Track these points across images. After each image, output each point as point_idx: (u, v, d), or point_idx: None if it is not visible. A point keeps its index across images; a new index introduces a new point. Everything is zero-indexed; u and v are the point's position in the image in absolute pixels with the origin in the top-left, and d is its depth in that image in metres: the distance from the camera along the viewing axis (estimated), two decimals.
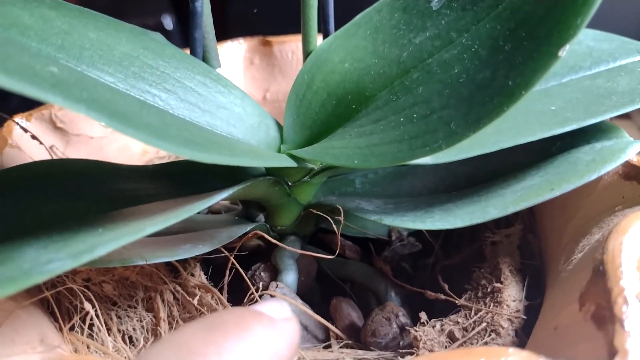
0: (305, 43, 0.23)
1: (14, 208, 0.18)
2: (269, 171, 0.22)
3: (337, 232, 0.20)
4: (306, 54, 0.23)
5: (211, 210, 0.28)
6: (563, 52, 0.16)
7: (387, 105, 0.20)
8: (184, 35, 1.28)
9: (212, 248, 0.20)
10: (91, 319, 0.19)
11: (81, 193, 0.19)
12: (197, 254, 0.20)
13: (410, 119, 0.18)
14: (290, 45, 0.32)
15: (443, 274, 0.23)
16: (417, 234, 0.25)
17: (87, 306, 0.19)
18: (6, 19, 0.16)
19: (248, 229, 0.22)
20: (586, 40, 0.25)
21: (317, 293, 0.24)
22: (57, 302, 0.19)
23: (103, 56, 0.18)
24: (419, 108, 0.18)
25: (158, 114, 0.17)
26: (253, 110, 0.22)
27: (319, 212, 0.21)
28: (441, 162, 0.20)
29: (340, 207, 0.20)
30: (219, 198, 0.17)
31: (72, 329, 0.19)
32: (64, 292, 0.19)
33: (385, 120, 0.19)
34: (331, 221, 0.22)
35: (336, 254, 0.20)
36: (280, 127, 0.23)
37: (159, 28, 1.19)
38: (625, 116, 0.54)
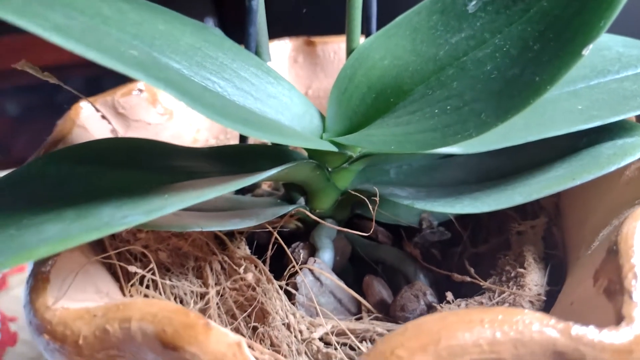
0: (349, 41, 0.25)
1: (88, 175, 0.20)
2: (311, 156, 0.24)
3: (372, 212, 0.22)
4: (349, 51, 0.25)
5: (254, 195, 0.30)
6: (586, 51, 0.17)
7: (423, 98, 0.22)
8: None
9: (258, 223, 0.22)
10: (148, 281, 0.21)
11: (145, 166, 0.21)
12: (244, 226, 0.22)
13: (444, 110, 0.20)
14: (332, 46, 0.34)
15: (470, 261, 0.25)
16: (446, 224, 0.27)
17: (134, 269, 0.21)
18: (91, 9, 0.19)
19: (290, 209, 0.24)
20: (616, 47, 0.26)
21: (350, 273, 0.26)
22: (123, 268, 0.21)
23: (171, 46, 0.20)
24: (453, 101, 0.20)
25: (218, 97, 0.19)
26: (299, 101, 0.24)
27: (357, 194, 0.23)
28: (471, 152, 0.22)
29: (377, 190, 0.22)
30: (266, 175, 0.19)
31: (128, 287, 0.21)
32: (126, 254, 0.22)
33: (421, 112, 0.21)
34: (369, 206, 0.24)
35: (370, 233, 0.22)
36: (323, 118, 0.24)
37: None
38: None
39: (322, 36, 0.35)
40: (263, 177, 0.19)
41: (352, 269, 0.26)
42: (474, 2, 0.23)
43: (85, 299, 0.18)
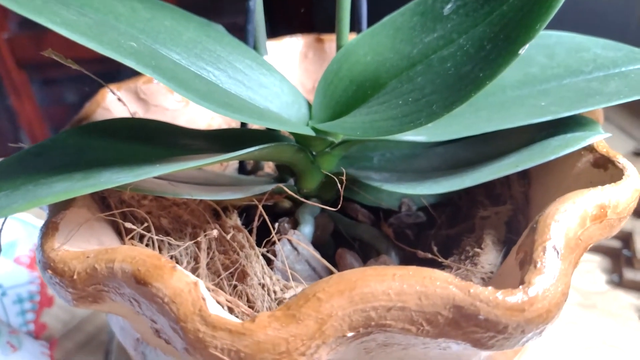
0: (338, 39, 0.28)
1: (100, 147, 0.24)
2: (298, 141, 0.27)
3: (341, 191, 0.24)
4: (338, 47, 0.28)
5: (257, 176, 0.33)
6: (522, 51, 0.19)
7: (393, 91, 0.24)
8: (270, 34, 1.36)
9: (244, 196, 0.25)
10: (148, 240, 0.25)
11: (151, 142, 0.25)
12: (233, 197, 0.25)
13: (407, 101, 0.23)
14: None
15: (441, 243, 0.27)
16: (425, 209, 0.29)
17: (131, 225, 0.25)
18: (106, 7, 0.22)
19: (274, 186, 0.27)
20: (595, 48, 0.28)
21: (332, 247, 0.29)
22: (123, 225, 0.25)
23: (173, 39, 0.24)
24: (415, 93, 0.23)
25: (208, 84, 0.23)
26: (289, 91, 0.27)
27: (332, 176, 0.26)
28: (435, 140, 0.24)
29: (352, 174, 0.25)
30: (242, 153, 0.22)
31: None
32: (131, 217, 0.25)
33: (389, 103, 0.24)
34: (352, 188, 0.26)
35: (338, 207, 0.24)
36: (310, 107, 0.27)
37: (234, 26, 1.28)
38: None
39: (331, 34, 0.37)
40: (238, 154, 0.22)
41: (334, 244, 0.29)
42: (449, 5, 0.25)
43: (87, 247, 0.21)
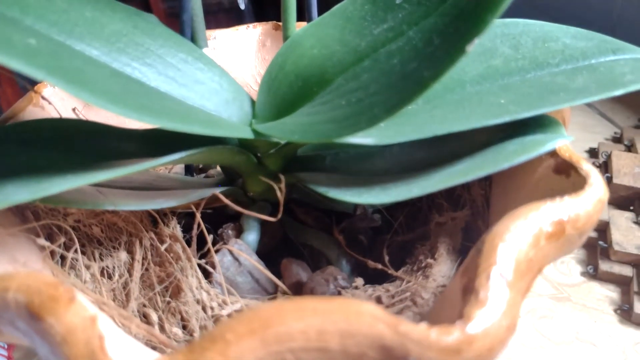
0: (284, 29, 0.25)
1: (15, 154, 0.21)
2: (241, 143, 0.25)
3: (280, 196, 0.22)
4: (285, 38, 0.25)
5: (207, 175, 0.31)
6: (470, 47, 0.17)
7: (338, 90, 0.22)
8: (257, 16, 1.32)
9: (179, 203, 0.23)
10: (75, 252, 0.23)
11: (74, 147, 0.23)
12: (165, 206, 0.23)
13: (349, 102, 0.20)
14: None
15: (396, 249, 0.25)
16: (381, 212, 0.27)
17: (63, 239, 0.23)
18: None
19: (217, 190, 0.25)
20: (564, 38, 0.26)
21: (281, 255, 0.27)
22: (48, 237, 0.23)
23: (92, 32, 0.21)
24: (359, 93, 0.21)
25: (127, 83, 0.20)
26: (229, 87, 0.24)
27: (269, 181, 0.24)
28: (384, 143, 0.22)
29: (300, 177, 0.23)
30: (171, 159, 0.20)
31: (55, 261, 0.23)
32: (55, 229, 0.23)
33: (331, 103, 0.21)
34: (304, 191, 0.24)
35: (278, 217, 0.22)
36: (254, 104, 0.25)
37: (235, 7, 1.24)
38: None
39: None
40: (165, 161, 0.20)
41: (286, 251, 0.27)
42: None
43: None
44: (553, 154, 0.21)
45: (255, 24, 0.35)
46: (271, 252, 0.26)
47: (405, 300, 0.21)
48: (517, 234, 0.17)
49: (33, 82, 0.27)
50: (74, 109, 0.29)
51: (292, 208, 0.28)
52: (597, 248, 0.41)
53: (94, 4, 0.23)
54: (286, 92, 0.24)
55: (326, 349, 0.14)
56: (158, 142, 0.25)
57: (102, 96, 0.17)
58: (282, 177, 0.23)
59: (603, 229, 0.41)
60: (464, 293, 0.16)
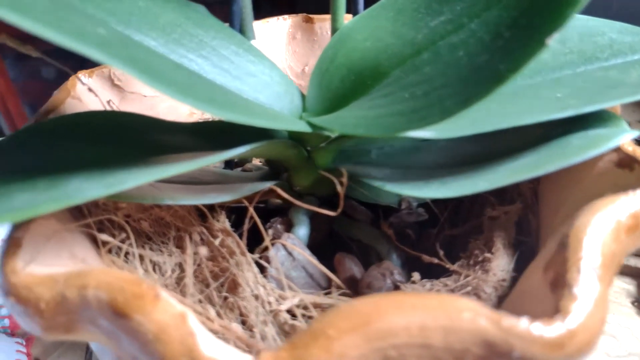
0: (333, 21, 0.25)
1: (68, 148, 0.21)
2: (291, 136, 0.24)
3: (340, 191, 0.22)
4: (333, 30, 0.25)
5: (244, 169, 0.30)
6: (550, 40, 0.17)
7: (397, 82, 0.22)
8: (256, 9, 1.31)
9: (233, 198, 0.23)
10: (128, 247, 0.22)
11: (126, 141, 0.22)
12: (220, 200, 0.23)
13: (414, 95, 0.20)
14: (330, 24, 0.34)
15: (445, 243, 0.25)
16: (426, 205, 0.27)
17: (105, 237, 0.23)
18: None
19: (267, 185, 0.25)
20: (610, 33, 0.26)
21: (329, 249, 0.27)
22: (99, 231, 0.22)
23: (148, 23, 0.21)
24: (423, 86, 0.20)
25: (189, 75, 0.20)
26: (280, 80, 0.24)
27: (329, 176, 0.24)
28: (444, 137, 0.22)
29: (344, 171, 0.22)
30: (234, 153, 0.19)
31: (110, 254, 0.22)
32: (107, 224, 0.23)
33: (393, 96, 0.21)
34: (350, 185, 0.24)
35: (337, 212, 0.22)
36: (303, 97, 0.25)
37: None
38: None
39: (321, 15, 0.35)
40: (230, 155, 0.19)
41: (331, 246, 0.27)
42: None
43: (58, 264, 0.19)
44: (615, 148, 0.21)
45: (285, 16, 0.35)
46: (319, 246, 0.26)
47: (467, 295, 0.21)
48: (600, 228, 0.17)
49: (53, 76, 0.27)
50: (108, 101, 0.29)
51: (337, 202, 0.27)
52: None
53: None
54: (338, 85, 0.24)
55: (429, 345, 0.14)
56: (207, 136, 0.24)
57: (175, 88, 0.17)
58: (344, 171, 0.22)
59: None
60: (554, 287, 0.16)
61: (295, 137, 0.24)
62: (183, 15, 0.22)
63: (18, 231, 0.18)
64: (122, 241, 0.21)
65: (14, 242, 0.18)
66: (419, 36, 0.22)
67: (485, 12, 0.21)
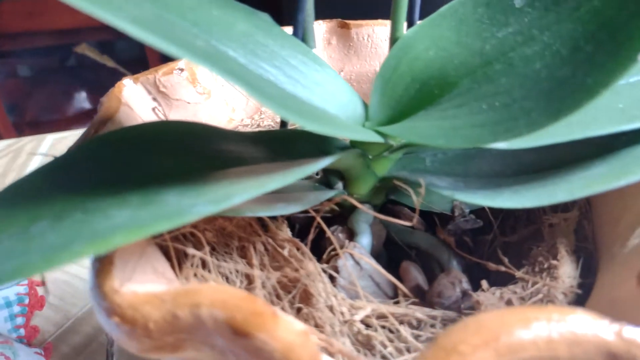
0: (394, 30, 0.25)
1: (143, 159, 0.21)
2: (353, 144, 0.24)
3: (416, 203, 0.22)
4: (393, 40, 0.25)
5: None
6: None
7: (470, 92, 0.22)
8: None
9: (302, 208, 0.23)
10: (197, 260, 0.22)
11: (197, 150, 0.22)
12: (291, 211, 0.22)
13: (493, 106, 0.21)
14: (366, 29, 0.34)
15: (502, 250, 0.26)
16: (476, 212, 0.28)
17: (192, 251, 0.22)
18: None
19: (331, 194, 0.25)
20: None
21: (384, 257, 0.27)
22: (170, 246, 0.22)
23: (226, 33, 0.20)
24: (501, 97, 0.21)
25: (274, 87, 0.20)
26: (344, 89, 0.24)
27: (398, 184, 0.24)
28: (515, 147, 0.22)
29: (421, 181, 0.23)
30: (323, 165, 0.19)
31: (180, 266, 0.22)
32: (177, 234, 0.22)
33: (468, 106, 0.21)
34: (403, 192, 0.24)
35: (413, 223, 0.22)
36: (365, 106, 0.25)
37: None
38: None
39: (355, 20, 0.35)
40: (320, 166, 0.19)
41: (385, 253, 0.27)
42: None
43: (147, 280, 0.18)
44: None
45: (320, 21, 0.35)
46: (378, 255, 0.26)
47: (540, 302, 0.22)
48: None
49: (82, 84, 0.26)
50: (153, 108, 0.28)
51: (391, 208, 0.28)
52: None
53: (217, 2, 0.22)
54: (401, 94, 0.24)
55: (556, 357, 0.14)
56: (272, 146, 0.24)
57: (276, 102, 0.17)
58: (422, 181, 0.23)
59: None
60: None
61: (359, 146, 0.24)
62: (252, 24, 0.22)
63: None
64: (202, 253, 0.21)
65: (106, 260, 0.18)
66: (487, 47, 0.23)
67: (556, 26, 0.21)
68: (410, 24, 0.26)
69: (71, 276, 0.46)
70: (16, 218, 0.17)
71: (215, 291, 0.16)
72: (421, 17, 0.26)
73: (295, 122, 0.18)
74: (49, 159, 0.20)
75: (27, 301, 0.43)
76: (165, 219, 0.16)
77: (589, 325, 0.14)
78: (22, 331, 0.42)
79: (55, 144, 0.65)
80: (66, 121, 1.13)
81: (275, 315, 0.15)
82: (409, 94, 0.24)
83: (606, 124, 0.22)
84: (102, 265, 0.17)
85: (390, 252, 0.27)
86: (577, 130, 0.22)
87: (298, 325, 0.15)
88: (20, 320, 0.42)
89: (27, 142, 0.65)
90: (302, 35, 0.24)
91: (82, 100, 1.20)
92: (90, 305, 0.43)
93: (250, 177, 0.18)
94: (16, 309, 0.42)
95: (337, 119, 0.22)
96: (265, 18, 0.23)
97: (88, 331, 0.42)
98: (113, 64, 0.23)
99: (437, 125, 0.21)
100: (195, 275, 0.22)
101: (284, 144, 0.24)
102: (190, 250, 0.20)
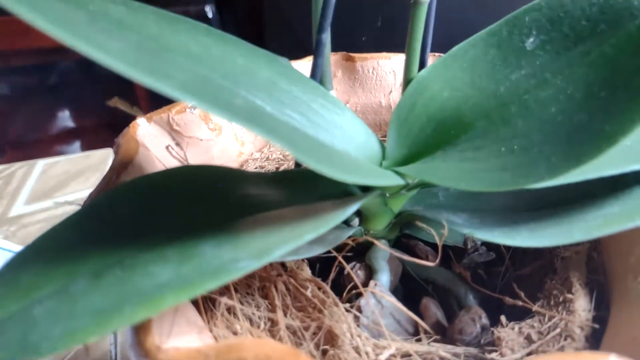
0: (407, 71, 0.26)
1: (172, 209, 0.21)
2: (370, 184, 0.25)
3: (438, 241, 0.23)
4: (407, 80, 0.26)
5: None
6: None
7: (487, 135, 0.23)
8: (223, 23, 1.31)
9: (325, 249, 0.23)
10: (226, 306, 0.22)
11: (220, 196, 0.22)
12: (314, 254, 0.23)
13: (511, 149, 0.21)
14: (371, 62, 0.35)
15: (515, 282, 0.26)
16: (487, 244, 0.28)
17: (221, 298, 0.22)
18: (182, 48, 0.19)
19: (350, 233, 0.25)
20: None
21: (400, 292, 0.27)
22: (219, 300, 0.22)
23: (252, 82, 0.21)
24: (519, 140, 0.21)
25: (301, 135, 0.20)
26: (362, 130, 0.25)
27: (420, 224, 0.24)
28: (539, 186, 0.23)
29: (444, 222, 0.23)
30: (354, 209, 0.20)
31: (206, 312, 0.22)
32: None
33: (487, 149, 0.22)
34: (417, 226, 0.25)
35: (436, 262, 0.23)
36: (381, 145, 0.25)
37: (201, 16, 1.22)
38: None
39: (360, 53, 0.35)
40: (349, 213, 0.20)
41: (402, 289, 0.28)
42: (531, 39, 0.24)
43: (183, 332, 0.19)
44: None
45: None
46: (395, 290, 0.27)
47: (559, 336, 0.22)
48: None
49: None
50: (167, 146, 0.29)
51: (405, 242, 0.28)
52: None
53: (237, 49, 0.22)
54: (418, 134, 0.25)
55: None
56: (291, 187, 0.24)
57: (308, 154, 0.17)
58: (444, 222, 0.23)
59: None
60: None
61: (378, 185, 0.24)
62: (275, 71, 0.23)
63: None
64: (231, 300, 0.21)
65: None
66: (501, 88, 0.23)
67: (568, 70, 0.22)
68: (422, 62, 0.27)
69: None
70: (53, 275, 0.17)
71: (257, 345, 0.16)
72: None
73: (329, 175, 0.18)
74: (73, 207, 0.20)
75: None
76: (211, 276, 0.16)
77: None
78: None
79: (47, 169, 0.64)
80: (50, 140, 1.12)
81: None
82: (426, 134, 0.25)
83: (620, 163, 0.23)
84: (141, 321, 0.18)
85: (405, 287, 0.28)
86: (590, 170, 0.23)
87: None
88: None
89: (18, 167, 0.65)
90: (320, 79, 0.25)
91: (65, 119, 1.19)
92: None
93: (283, 226, 0.19)
94: None
95: (359, 164, 0.23)
96: (285, 63, 0.24)
97: None
98: (141, 115, 0.23)
99: (457, 168, 0.22)
100: (223, 320, 0.22)
101: (304, 185, 0.24)
102: (224, 299, 0.20)
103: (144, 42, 0.17)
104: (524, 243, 0.22)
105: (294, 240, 0.17)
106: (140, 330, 0.17)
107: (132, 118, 0.27)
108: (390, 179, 0.22)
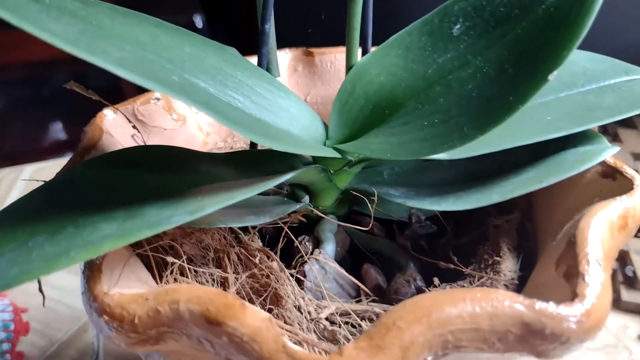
0: (348, 58, 0.28)
1: (126, 179, 0.23)
2: (316, 160, 0.27)
3: (371, 210, 0.25)
4: (348, 67, 0.28)
5: (261, 193, 0.33)
6: (552, 77, 0.21)
7: (414, 112, 0.25)
8: (213, 33, 1.34)
9: (270, 219, 0.26)
10: (176, 270, 0.24)
11: (174, 170, 0.24)
12: (260, 222, 0.25)
13: (433, 123, 0.24)
14: (329, 56, 0.38)
15: (453, 251, 0.29)
16: (432, 218, 0.30)
17: (171, 259, 0.25)
18: (131, 37, 0.22)
19: (298, 207, 0.27)
20: (582, 62, 0.30)
21: (348, 262, 0.29)
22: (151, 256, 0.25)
23: (197, 67, 0.23)
24: (440, 115, 0.24)
25: (242, 113, 0.23)
26: (306, 113, 0.27)
27: (357, 194, 0.26)
28: (455, 158, 0.25)
29: (375, 191, 0.25)
30: (286, 178, 0.22)
31: (160, 275, 0.24)
32: (157, 247, 0.25)
33: (413, 124, 0.24)
34: (366, 203, 0.27)
35: (368, 228, 0.25)
36: (325, 127, 0.28)
37: (190, 26, 1.25)
38: (632, 126, 0.61)
39: (319, 47, 0.38)
40: (283, 180, 0.22)
41: (349, 259, 0.30)
42: (458, 26, 0.27)
43: (132, 286, 0.21)
44: (601, 161, 0.25)
45: (285, 49, 0.38)
46: (342, 260, 0.29)
47: None
48: (599, 228, 0.20)
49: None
50: (133, 135, 0.31)
51: (354, 218, 0.30)
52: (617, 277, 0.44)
53: (188, 40, 0.25)
54: (357, 115, 0.27)
55: (479, 329, 0.17)
56: (242, 165, 0.27)
57: (244, 127, 0.20)
58: (375, 191, 0.25)
59: (624, 257, 0.45)
60: (568, 278, 0.19)
61: (320, 162, 0.27)
62: (221, 58, 0.25)
63: (95, 258, 0.20)
64: (166, 263, 0.24)
65: (95, 267, 0.20)
66: (429, 71, 0.26)
67: (487, 51, 0.25)
68: (365, 51, 0.30)
69: (55, 302, 0.48)
70: (15, 235, 0.19)
71: (191, 289, 0.18)
72: (374, 44, 0.29)
73: (260, 143, 0.20)
74: (35, 184, 0.23)
75: (12, 327, 0.44)
76: (147, 228, 0.18)
77: (506, 302, 0.17)
78: (8, 357, 0.43)
79: (34, 174, 0.66)
80: (42, 152, 1.15)
81: (244, 306, 0.18)
82: (364, 115, 0.27)
83: (535, 134, 0.25)
84: (92, 273, 0.20)
85: (354, 258, 0.30)
86: (508, 140, 0.25)
87: (263, 313, 0.18)
88: (6, 346, 0.43)
89: (6, 174, 0.67)
90: (267, 66, 0.27)
91: (57, 131, 1.21)
92: (74, 330, 0.44)
93: (221, 191, 0.21)
94: (2, 335, 0.43)
95: (299, 138, 0.25)
96: (232, 52, 0.26)
97: (72, 355, 0.44)
98: (97, 97, 0.25)
99: (387, 141, 0.24)
100: (175, 281, 0.24)
101: (254, 164, 0.27)
102: (170, 259, 0.23)
103: (92, 28, 0.20)
104: (448, 207, 0.25)
105: (225, 201, 0.20)
106: (90, 280, 0.19)
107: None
108: (325, 152, 0.24)
